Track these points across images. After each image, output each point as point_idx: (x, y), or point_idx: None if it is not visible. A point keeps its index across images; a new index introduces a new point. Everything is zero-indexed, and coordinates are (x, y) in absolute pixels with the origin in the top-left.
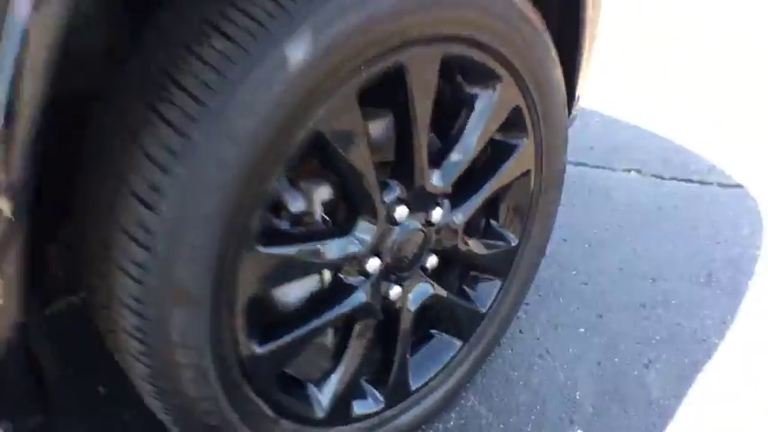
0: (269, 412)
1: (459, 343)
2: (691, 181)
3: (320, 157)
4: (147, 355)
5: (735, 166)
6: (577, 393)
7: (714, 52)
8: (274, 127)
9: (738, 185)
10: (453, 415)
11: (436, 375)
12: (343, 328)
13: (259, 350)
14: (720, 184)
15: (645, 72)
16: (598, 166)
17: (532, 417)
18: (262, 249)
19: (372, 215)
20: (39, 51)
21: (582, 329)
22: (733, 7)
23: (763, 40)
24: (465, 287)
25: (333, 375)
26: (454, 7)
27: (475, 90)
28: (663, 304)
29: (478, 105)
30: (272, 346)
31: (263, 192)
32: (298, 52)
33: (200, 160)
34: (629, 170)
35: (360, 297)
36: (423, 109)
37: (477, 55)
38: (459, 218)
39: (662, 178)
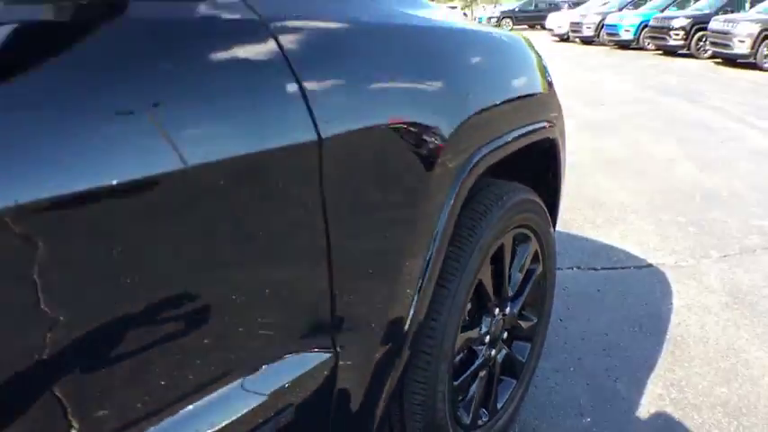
0: (451, 421)
1: (514, 381)
2: (615, 268)
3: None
4: (425, 389)
5: (644, 253)
6: (580, 400)
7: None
8: (474, 279)
9: (649, 265)
10: (516, 425)
11: (506, 401)
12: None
13: (455, 383)
14: (636, 267)
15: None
16: None
17: (560, 415)
18: (461, 333)
19: (489, 314)
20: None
21: (571, 368)
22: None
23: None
24: (513, 348)
25: (471, 401)
26: (529, 214)
27: (519, 246)
28: (616, 347)
29: (520, 254)
30: (458, 382)
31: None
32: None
33: (454, 297)
34: (572, 267)
35: (482, 357)
36: (507, 261)
37: (525, 231)
38: (516, 309)
39: (595, 269)
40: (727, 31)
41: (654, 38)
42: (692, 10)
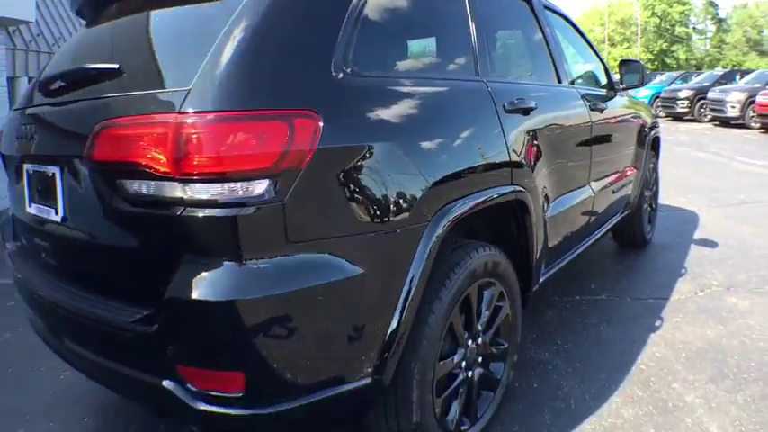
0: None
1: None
2: (671, 210)
3: None
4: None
5: (682, 207)
6: (664, 240)
7: None
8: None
9: (685, 210)
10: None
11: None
12: None
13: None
14: (679, 209)
15: None
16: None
17: (662, 241)
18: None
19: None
20: None
21: (661, 230)
22: None
23: None
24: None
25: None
26: (656, 158)
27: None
28: (677, 226)
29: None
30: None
31: None
32: None
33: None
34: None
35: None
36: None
37: (653, 165)
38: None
39: (661, 211)
40: (721, 99)
41: (665, 107)
42: (694, 83)
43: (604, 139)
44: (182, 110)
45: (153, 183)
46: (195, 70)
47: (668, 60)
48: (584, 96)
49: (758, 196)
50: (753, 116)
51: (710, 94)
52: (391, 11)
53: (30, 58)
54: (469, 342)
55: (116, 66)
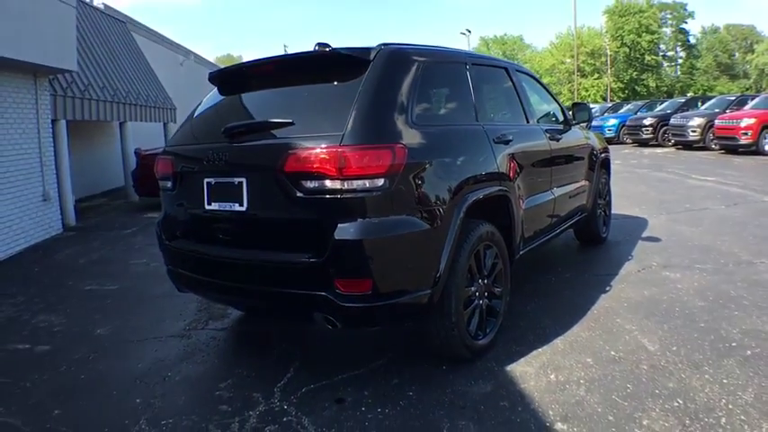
0: None
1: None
2: (626, 217)
3: None
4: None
5: (637, 215)
6: (624, 233)
7: None
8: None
9: (638, 217)
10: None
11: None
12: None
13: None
14: (634, 217)
15: None
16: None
17: (618, 232)
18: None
19: None
20: None
21: (616, 227)
22: None
23: None
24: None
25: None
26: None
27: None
28: (632, 228)
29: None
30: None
31: None
32: None
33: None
34: (617, 218)
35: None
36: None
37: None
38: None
39: (617, 219)
40: (683, 125)
41: (630, 134)
42: (657, 111)
43: (561, 160)
44: (341, 143)
45: (323, 181)
46: (344, 123)
47: (638, 89)
48: (545, 131)
49: (703, 205)
50: (713, 139)
51: (673, 121)
52: (430, 91)
53: (67, 102)
54: (479, 281)
55: (291, 120)
